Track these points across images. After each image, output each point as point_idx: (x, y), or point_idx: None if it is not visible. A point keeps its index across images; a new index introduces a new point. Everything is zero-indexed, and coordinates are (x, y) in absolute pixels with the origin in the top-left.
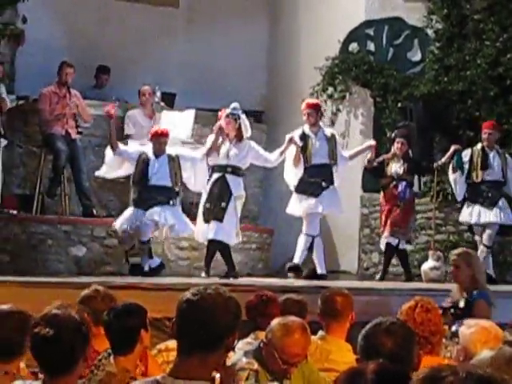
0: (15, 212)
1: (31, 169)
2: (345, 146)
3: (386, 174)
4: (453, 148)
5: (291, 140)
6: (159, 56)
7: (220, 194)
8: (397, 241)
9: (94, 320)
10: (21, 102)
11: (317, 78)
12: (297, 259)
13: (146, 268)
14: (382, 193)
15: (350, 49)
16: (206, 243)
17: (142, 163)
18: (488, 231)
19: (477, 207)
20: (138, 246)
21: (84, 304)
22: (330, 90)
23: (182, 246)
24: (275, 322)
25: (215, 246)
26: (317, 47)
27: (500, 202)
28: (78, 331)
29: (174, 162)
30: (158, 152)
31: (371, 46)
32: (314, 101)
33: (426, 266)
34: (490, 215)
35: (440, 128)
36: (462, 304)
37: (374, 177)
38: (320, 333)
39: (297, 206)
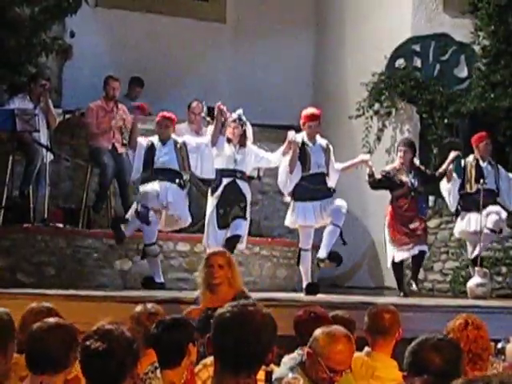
0: (61, 225)
1: (78, 183)
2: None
3: (400, 183)
4: (453, 154)
5: (291, 141)
6: (206, 71)
7: (235, 197)
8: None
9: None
10: (67, 116)
11: (363, 94)
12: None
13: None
14: (390, 205)
15: (397, 65)
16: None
17: (149, 150)
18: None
19: (473, 215)
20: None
21: (138, 323)
22: (376, 105)
23: None
24: (319, 331)
25: (233, 242)
26: (363, 63)
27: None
28: (129, 348)
29: (181, 148)
30: (163, 137)
31: (418, 62)
32: (316, 111)
33: (471, 283)
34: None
35: None
36: None
37: (384, 189)
38: (366, 349)
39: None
